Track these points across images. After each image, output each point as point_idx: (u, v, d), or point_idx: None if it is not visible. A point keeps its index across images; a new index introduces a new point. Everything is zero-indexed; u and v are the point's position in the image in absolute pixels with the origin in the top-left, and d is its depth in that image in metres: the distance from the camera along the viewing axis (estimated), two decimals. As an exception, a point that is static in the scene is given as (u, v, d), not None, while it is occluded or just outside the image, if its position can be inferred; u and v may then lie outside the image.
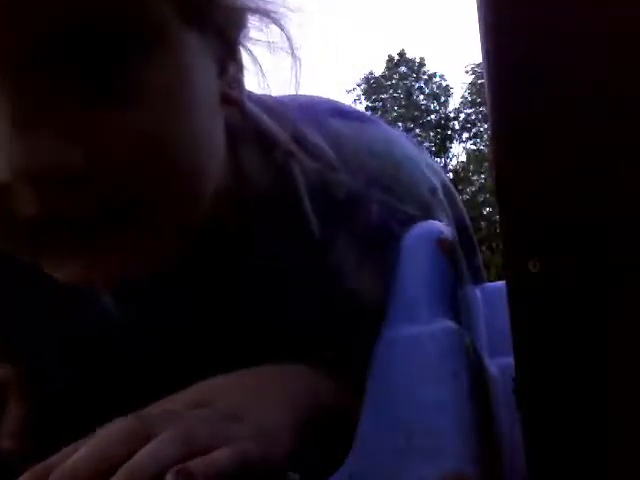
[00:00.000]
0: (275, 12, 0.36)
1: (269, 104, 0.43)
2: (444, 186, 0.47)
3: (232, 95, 0.36)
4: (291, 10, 0.37)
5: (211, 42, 0.32)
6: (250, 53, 0.38)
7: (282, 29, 0.37)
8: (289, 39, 0.38)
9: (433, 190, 0.46)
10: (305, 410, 0.36)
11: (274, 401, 0.34)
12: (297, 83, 0.40)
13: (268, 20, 0.36)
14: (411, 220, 0.41)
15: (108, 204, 0.28)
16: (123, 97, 0.27)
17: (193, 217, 0.33)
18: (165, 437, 0.28)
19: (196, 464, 0.27)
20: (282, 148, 0.40)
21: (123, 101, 0.27)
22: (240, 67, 0.37)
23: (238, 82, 0.37)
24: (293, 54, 0.38)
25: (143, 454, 0.27)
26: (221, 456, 0.28)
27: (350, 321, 0.41)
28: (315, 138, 0.42)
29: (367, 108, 21.43)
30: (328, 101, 0.48)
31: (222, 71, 0.34)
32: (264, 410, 0.33)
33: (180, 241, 0.33)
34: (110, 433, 0.28)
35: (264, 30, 0.36)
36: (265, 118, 0.40)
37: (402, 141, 0.47)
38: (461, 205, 0.50)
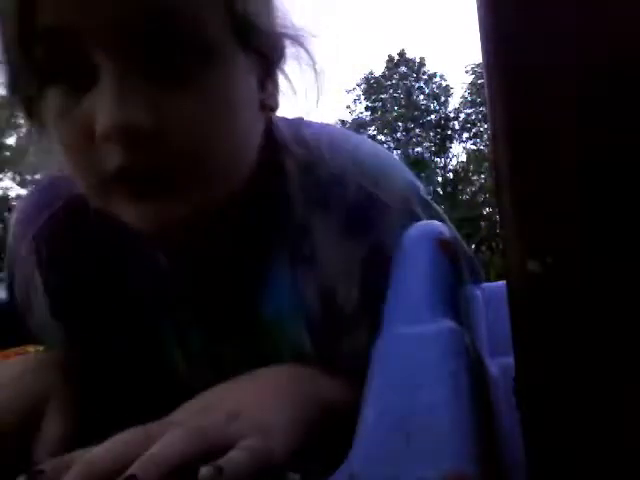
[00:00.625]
0: (303, 37, 0.46)
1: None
2: (424, 200, 0.51)
3: (268, 104, 0.46)
4: (314, 35, 0.47)
5: (254, 61, 0.42)
6: (284, 73, 0.47)
7: (308, 52, 0.47)
8: (313, 58, 0.47)
9: (415, 191, 0.50)
10: (306, 409, 0.37)
11: (275, 402, 0.36)
12: (319, 95, 0.48)
13: (297, 44, 0.46)
14: (388, 209, 0.46)
15: (170, 160, 0.37)
16: (188, 87, 0.37)
17: (232, 181, 0.42)
18: (181, 433, 0.30)
19: (226, 461, 0.29)
20: (280, 140, 0.49)
21: (187, 90, 0.37)
22: (275, 85, 0.47)
23: (273, 96, 0.46)
24: (316, 71, 0.47)
25: (164, 443, 0.29)
26: (239, 455, 0.30)
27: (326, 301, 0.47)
28: (304, 131, 0.50)
29: (367, 108, 21.45)
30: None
31: (262, 85, 0.44)
32: (266, 411, 0.35)
33: (220, 200, 0.42)
34: (126, 435, 0.31)
35: (293, 50, 0.46)
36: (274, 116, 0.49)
37: (389, 153, 0.55)
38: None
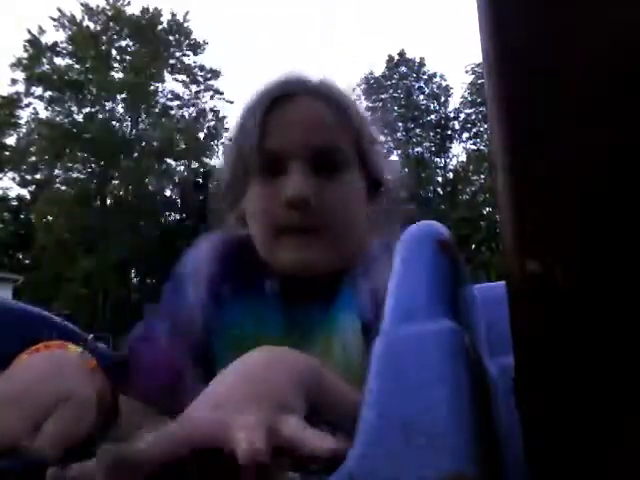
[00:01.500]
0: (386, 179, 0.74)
1: None
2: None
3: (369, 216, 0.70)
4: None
5: (364, 179, 0.69)
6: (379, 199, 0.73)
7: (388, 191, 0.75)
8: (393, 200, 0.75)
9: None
10: (307, 382, 0.39)
11: (280, 384, 0.38)
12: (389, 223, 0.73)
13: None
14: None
15: (323, 223, 0.63)
16: (335, 180, 0.64)
17: (353, 245, 0.66)
18: (258, 415, 0.33)
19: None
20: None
21: (335, 182, 0.64)
22: (380, 197, 0.72)
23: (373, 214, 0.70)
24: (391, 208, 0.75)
25: (250, 420, 0.32)
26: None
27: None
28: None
29: (367, 108, 21.40)
30: None
31: (368, 194, 0.69)
32: (276, 389, 0.37)
33: (347, 255, 0.65)
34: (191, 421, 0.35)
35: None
36: None
37: None
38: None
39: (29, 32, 18.67)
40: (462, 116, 21.32)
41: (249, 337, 0.62)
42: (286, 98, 0.64)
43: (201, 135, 20.46)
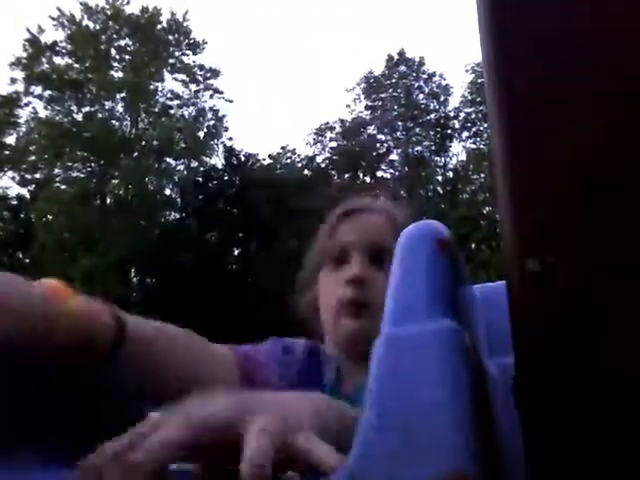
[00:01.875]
0: None
1: None
2: None
3: None
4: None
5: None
6: None
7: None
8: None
9: None
10: (325, 419, 0.42)
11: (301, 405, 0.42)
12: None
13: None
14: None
15: (371, 299, 0.80)
16: (380, 270, 0.81)
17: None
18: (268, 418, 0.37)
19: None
20: None
21: (380, 271, 0.81)
22: None
23: None
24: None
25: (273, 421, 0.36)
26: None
27: None
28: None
29: (367, 107, 21.42)
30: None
31: None
32: (296, 412, 0.40)
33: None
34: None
35: None
36: None
37: None
38: None
39: (28, 31, 18.65)
40: (462, 115, 21.29)
41: None
42: (355, 212, 0.88)
43: (201, 134, 20.43)
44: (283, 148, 20.92)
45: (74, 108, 19.16)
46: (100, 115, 19.22)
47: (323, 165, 21.06)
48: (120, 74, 19.66)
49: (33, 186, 19.07)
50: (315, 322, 0.88)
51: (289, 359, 0.83)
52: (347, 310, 0.80)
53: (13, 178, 18.97)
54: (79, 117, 19.05)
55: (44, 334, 0.50)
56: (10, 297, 0.48)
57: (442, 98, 21.55)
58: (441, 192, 20.78)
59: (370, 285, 0.81)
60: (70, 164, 18.80)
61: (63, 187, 18.63)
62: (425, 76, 21.58)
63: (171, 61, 20.38)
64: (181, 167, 20.23)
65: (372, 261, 0.83)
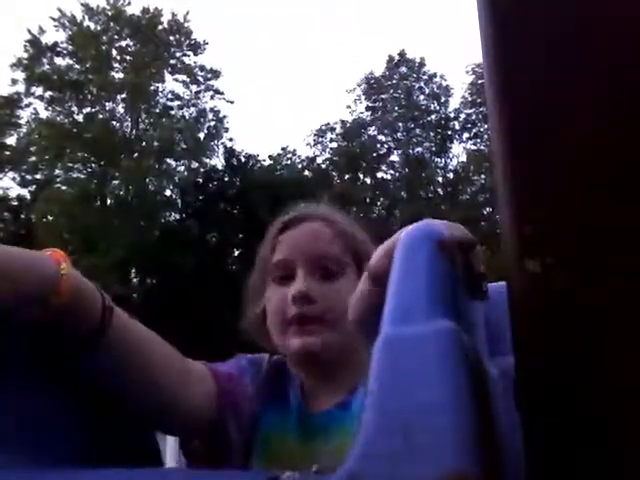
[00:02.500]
0: None
1: None
2: None
3: None
4: None
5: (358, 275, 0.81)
6: None
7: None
8: None
9: None
10: None
11: None
12: None
13: None
14: None
15: (321, 314, 0.78)
16: (332, 282, 0.81)
17: (343, 333, 0.78)
18: None
19: None
20: None
21: (332, 283, 0.81)
22: None
23: None
24: None
25: None
26: None
27: None
28: None
29: (367, 108, 21.43)
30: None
31: None
32: None
33: (337, 343, 0.80)
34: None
35: None
36: None
37: None
38: None
39: (29, 32, 18.67)
40: (462, 116, 21.30)
41: (275, 436, 0.80)
42: (295, 222, 0.85)
43: (201, 135, 20.44)
44: (283, 149, 20.94)
45: (75, 109, 19.18)
46: (101, 116, 19.23)
47: (323, 166, 21.07)
48: (121, 75, 19.68)
49: (34, 187, 19.08)
50: (262, 337, 0.85)
51: (256, 373, 0.84)
52: (293, 328, 0.78)
53: (14, 179, 19.00)
54: (80, 118, 19.07)
55: (44, 295, 0.52)
56: (13, 258, 0.51)
57: (443, 99, 21.56)
58: (441, 193, 20.78)
59: (318, 299, 0.78)
60: (71, 165, 18.81)
61: (64, 188, 18.64)
62: (426, 77, 21.59)
63: (172, 62, 20.39)
64: (181, 168, 20.25)
65: (319, 273, 0.80)
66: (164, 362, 0.66)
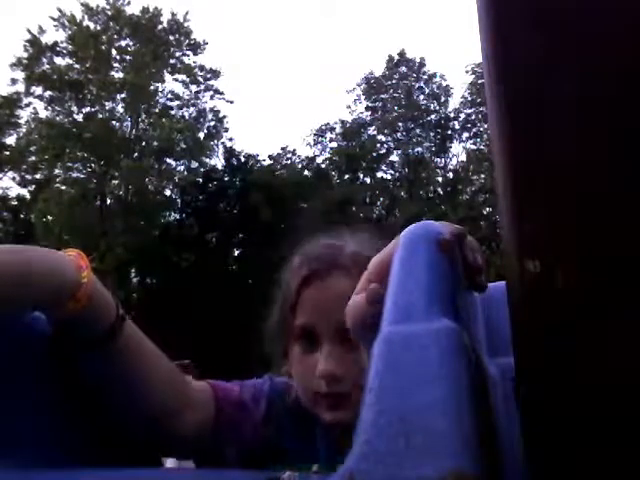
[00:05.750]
0: None
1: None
2: None
3: None
4: None
5: None
6: None
7: None
8: None
9: None
10: None
11: None
12: None
13: None
14: None
15: (345, 390, 0.77)
16: (353, 353, 0.75)
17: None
18: None
19: None
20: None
21: (355, 354, 0.72)
22: None
23: None
24: None
25: None
26: None
27: None
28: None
29: (367, 108, 21.42)
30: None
31: None
32: None
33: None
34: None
35: None
36: None
37: None
38: None
39: (29, 32, 18.66)
40: (462, 116, 21.30)
41: (296, 461, 0.80)
42: (320, 275, 0.80)
43: (201, 135, 20.44)
44: (283, 149, 20.94)
45: (74, 109, 19.18)
46: (100, 116, 19.23)
47: (323, 166, 21.07)
48: (120, 75, 19.67)
49: (33, 187, 19.09)
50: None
51: (279, 401, 0.84)
52: (325, 402, 0.78)
53: (13, 179, 19.00)
54: (79, 118, 19.06)
55: (62, 301, 0.54)
56: (34, 263, 0.52)
57: (442, 99, 21.56)
58: (441, 193, 20.78)
59: (345, 376, 0.77)
60: (70, 165, 18.80)
61: (63, 188, 18.64)
62: (425, 77, 21.59)
63: (172, 62, 20.39)
64: (181, 168, 20.25)
65: (343, 342, 0.77)
66: (164, 381, 0.66)
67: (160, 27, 20.13)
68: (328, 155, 21.11)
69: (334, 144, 21.20)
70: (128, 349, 0.61)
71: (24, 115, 18.95)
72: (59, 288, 0.54)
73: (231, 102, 20.60)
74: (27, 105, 18.90)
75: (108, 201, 19.09)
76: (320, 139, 21.27)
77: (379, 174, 20.95)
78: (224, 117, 20.53)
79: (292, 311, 0.80)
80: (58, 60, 19.21)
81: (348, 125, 21.19)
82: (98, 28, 19.51)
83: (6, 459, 0.49)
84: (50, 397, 0.58)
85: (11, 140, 18.68)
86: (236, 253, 19.20)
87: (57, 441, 0.55)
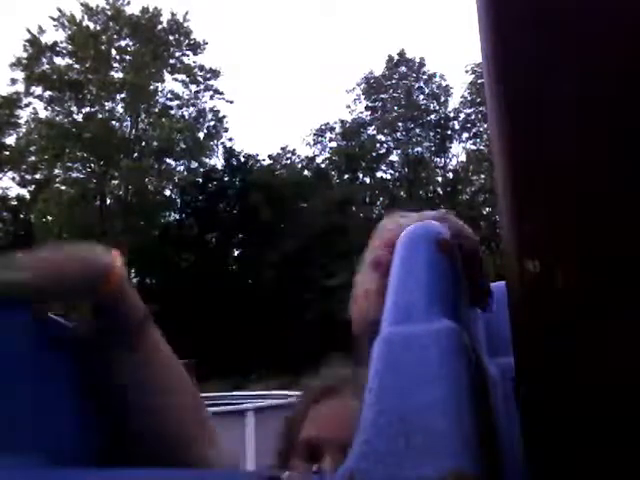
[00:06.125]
0: None
1: None
2: None
3: None
4: None
5: None
6: None
7: None
8: None
9: None
10: None
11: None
12: None
13: None
14: None
15: None
16: None
17: None
18: None
19: None
20: None
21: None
22: None
23: None
24: None
25: None
26: None
27: None
28: None
29: (367, 108, 21.43)
30: None
31: None
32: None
33: None
34: None
35: None
36: None
37: None
38: None
39: (29, 32, 18.67)
40: (462, 116, 21.31)
41: None
42: (330, 394, 0.82)
43: (201, 135, 20.44)
44: (283, 149, 20.95)
45: (74, 109, 19.19)
46: (100, 116, 19.23)
47: (323, 165, 21.07)
48: (120, 75, 19.68)
49: (33, 187, 19.09)
50: None
51: None
52: None
53: (13, 179, 19.00)
54: (79, 118, 19.07)
55: (101, 277, 0.56)
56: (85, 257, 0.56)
57: (442, 99, 21.57)
58: (441, 193, 20.79)
59: None
60: (70, 165, 18.81)
61: (63, 188, 18.64)
62: (425, 77, 21.60)
63: (171, 62, 20.40)
64: (181, 168, 20.26)
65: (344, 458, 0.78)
66: (183, 382, 0.64)
67: (160, 27, 20.14)
68: (328, 155, 21.12)
69: (334, 144, 21.22)
70: (152, 351, 0.61)
71: (24, 115, 18.97)
72: (93, 268, 0.56)
73: (231, 102, 20.62)
74: (27, 105, 18.92)
75: (108, 201, 19.10)
76: (320, 139, 21.29)
77: (379, 174, 20.97)
78: (224, 117, 20.55)
79: (301, 421, 0.82)
80: (58, 60, 19.23)
81: (348, 125, 21.19)
82: (98, 28, 19.52)
83: (23, 457, 0.49)
84: (70, 397, 0.58)
85: (11, 140, 18.70)
86: (236, 253, 19.21)
87: (76, 441, 0.55)
